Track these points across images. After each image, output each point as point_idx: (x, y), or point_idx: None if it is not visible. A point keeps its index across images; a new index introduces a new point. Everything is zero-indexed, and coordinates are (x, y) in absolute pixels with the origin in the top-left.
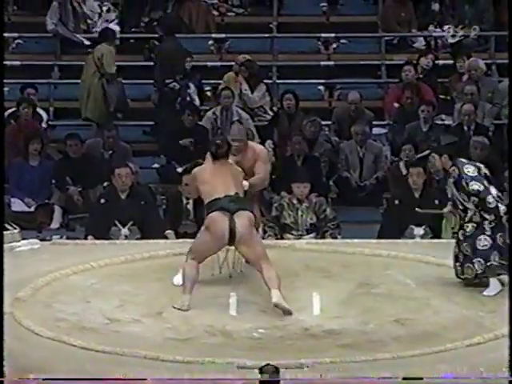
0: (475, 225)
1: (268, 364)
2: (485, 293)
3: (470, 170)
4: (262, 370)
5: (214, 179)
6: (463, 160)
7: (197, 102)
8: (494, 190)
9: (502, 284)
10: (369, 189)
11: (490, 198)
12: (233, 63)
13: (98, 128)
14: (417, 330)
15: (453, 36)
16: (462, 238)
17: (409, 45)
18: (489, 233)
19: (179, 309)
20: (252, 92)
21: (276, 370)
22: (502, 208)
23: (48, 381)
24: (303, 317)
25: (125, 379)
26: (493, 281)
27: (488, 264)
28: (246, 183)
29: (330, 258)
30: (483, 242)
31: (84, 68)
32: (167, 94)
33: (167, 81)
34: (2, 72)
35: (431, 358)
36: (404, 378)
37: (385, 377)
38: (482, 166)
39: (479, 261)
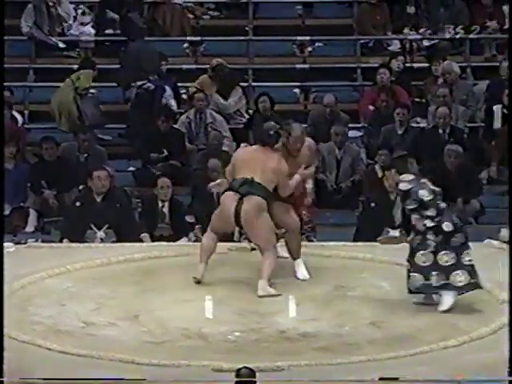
0: (419, 238)
1: (244, 367)
2: (439, 308)
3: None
4: (238, 373)
5: (243, 163)
6: (412, 178)
7: (173, 105)
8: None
9: (461, 293)
10: (345, 191)
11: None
12: (208, 66)
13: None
14: (392, 332)
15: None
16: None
17: (384, 48)
18: (431, 249)
19: (194, 278)
20: (226, 98)
21: (252, 372)
22: (447, 225)
23: (48, 381)
24: (279, 319)
25: (124, 379)
26: (445, 295)
27: (426, 282)
28: (309, 183)
29: (306, 261)
30: (424, 258)
31: (59, 89)
32: (141, 96)
33: (138, 83)
34: (2, 72)
35: (407, 360)
36: (380, 379)
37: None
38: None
39: (415, 276)
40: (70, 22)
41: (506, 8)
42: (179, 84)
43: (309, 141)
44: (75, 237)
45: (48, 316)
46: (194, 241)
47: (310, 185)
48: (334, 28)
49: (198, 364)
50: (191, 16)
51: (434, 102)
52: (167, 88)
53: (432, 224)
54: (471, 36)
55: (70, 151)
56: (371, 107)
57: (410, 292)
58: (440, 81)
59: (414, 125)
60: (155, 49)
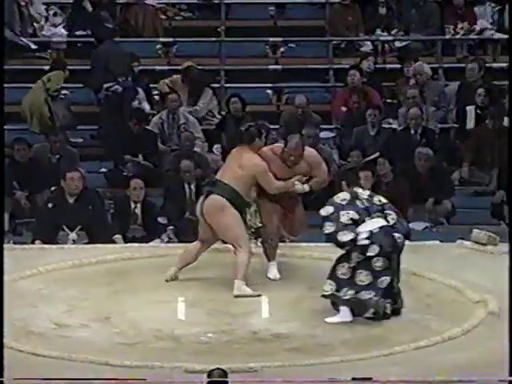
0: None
1: (216, 368)
2: (327, 319)
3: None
4: (210, 374)
5: (225, 163)
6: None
7: (146, 106)
8: (369, 226)
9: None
10: (317, 193)
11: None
12: (180, 67)
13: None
14: (365, 333)
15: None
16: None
17: (356, 49)
18: (353, 265)
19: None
20: (197, 100)
21: (224, 373)
22: (372, 248)
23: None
24: (251, 320)
25: (123, 379)
26: (343, 308)
27: (335, 293)
28: (306, 187)
29: (279, 262)
30: (343, 270)
31: (31, 90)
32: (111, 98)
33: (107, 85)
34: (2, 73)
35: (379, 361)
36: (353, 379)
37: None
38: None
39: (331, 283)
40: (42, 22)
41: (477, 9)
42: (152, 85)
43: (310, 153)
44: (47, 238)
45: (20, 318)
46: (167, 242)
47: (299, 187)
48: (307, 29)
49: (171, 365)
50: (164, 17)
51: (406, 103)
52: (139, 90)
53: (362, 243)
54: (443, 37)
55: (42, 152)
56: (343, 108)
57: (323, 296)
58: (412, 82)
59: (386, 126)
60: (125, 50)
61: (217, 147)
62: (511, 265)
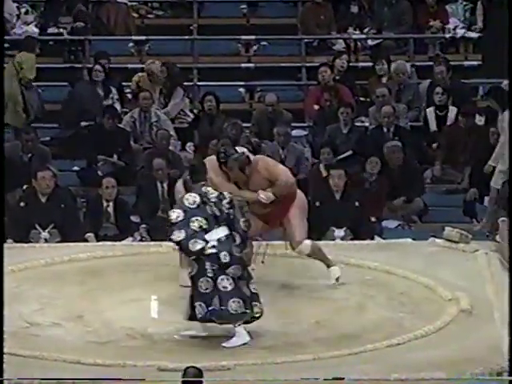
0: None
1: (191, 366)
2: (224, 344)
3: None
4: (185, 373)
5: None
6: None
7: (118, 104)
8: (217, 235)
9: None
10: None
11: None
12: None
13: (16, 133)
14: (337, 331)
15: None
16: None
17: (328, 47)
18: (210, 275)
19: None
20: (166, 103)
21: (199, 372)
22: (223, 255)
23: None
24: None
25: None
26: (238, 330)
27: (210, 309)
28: (270, 195)
29: (256, 261)
30: (205, 284)
31: (5, 75)
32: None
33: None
34: (2, 74)
35: (351, 358)
36: (326, 379)
37: (308, 378)
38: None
39: (200, 304)
40: (13, 21)
41: (448, 7)
42: (124, 83)
43: (261, 163)
44: (19, 237)
45: None
46: (140, 240)
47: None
48: (279, 27)
49: (143, 364)
50: (136, 15)
51: (376, 101)
52: (112, 88)
53: (210, 251)
54: (415, 36)
55: (14, 151)
56: (316, 106)
57: (198, 320)
58: (383, 80)
59: (359, 124)
60: (98, 90)
61: (190, 145)
62: (511, 267)
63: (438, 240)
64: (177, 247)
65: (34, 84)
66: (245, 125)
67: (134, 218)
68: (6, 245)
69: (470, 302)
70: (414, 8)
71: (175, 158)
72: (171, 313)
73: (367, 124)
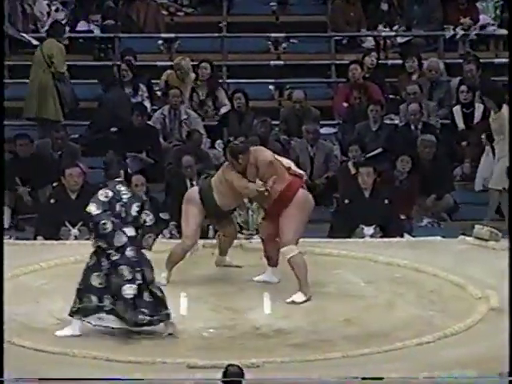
0: (94, 258)
1: (232, 364)
2: (57, 333)
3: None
4: (226, 371)
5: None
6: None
7: (147, 102)
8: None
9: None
10: (319, 188)
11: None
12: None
13: (51, 126)
14: (366, 328)
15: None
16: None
17: (358, 44)
18: (105, 272)
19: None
20: (201, 101)
21: (241, 370)
22: (122, 239)
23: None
24: (253, 316)
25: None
26: (74, 321)
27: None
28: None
29: (281, 258)
30: (98, 279)
31: (32, 66)
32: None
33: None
34: (2, 72)
35: (381, 356)
36: (363, 378)
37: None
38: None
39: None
40: (44, 18)
41: (479, 4)
42: (153, 81)
43: (255, 153)
44: (49, 234)
45: (22, 313)
46: (169, 238)
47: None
48: (308, 25)
49: (173, 361)
50: (165, 13)
51: (407, 98)
52: (141, 85)
53: (105, 247)
54: (445, 33)
55: (45, 148)
56: (345, 104)
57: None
58: (413, 77)
59: (388, 121)
60: (128, 96)
61: (219, 143)
62: (511, 263)
63: (467, 238)
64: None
65: (66, 76)
66: (274, 122)
67: (163, 216)
68: (36, 242)
69: (499, 301)
70: (444, 5)
71: (204, 156)
72: (200, 310)
73: (397, 121)
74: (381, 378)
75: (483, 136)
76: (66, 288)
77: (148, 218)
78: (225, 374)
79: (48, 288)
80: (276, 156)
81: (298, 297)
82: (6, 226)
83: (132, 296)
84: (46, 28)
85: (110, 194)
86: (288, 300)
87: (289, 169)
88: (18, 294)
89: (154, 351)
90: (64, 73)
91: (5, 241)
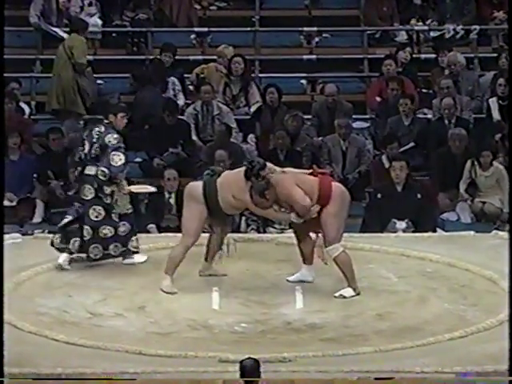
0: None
1: (248, 357)
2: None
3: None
4: (242, 364)
5: (229, 173)
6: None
7: (181, 96)
8: None
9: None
10: (351, 183)
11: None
12: (215, 57)
13: (74, 119)
14: (399, 323)
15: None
16: None
17: (391, 39)
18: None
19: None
20: (234, 96)
21: (256, 363)
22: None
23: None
24: (286, 311)
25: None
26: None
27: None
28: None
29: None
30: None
31: (55, 59)
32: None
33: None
34: (2, 71)
35: (413, 351)
36: (376, 379)
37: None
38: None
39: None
40: (77, 12)
41: None
42: (186, 75)
43: (280, 188)
44: None
45: (54, 307)
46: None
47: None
48: (341, 19)
49: (205, 355)
50: (198, 7)
51: (440, 93)
52: (175, 80)
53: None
54: (478, 27)
55: (77, 142)
56: (378, 98)
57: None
58: (446, 72)
59: (421, 116)
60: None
61: (251, 137)
62: (511, 263)
63: (500, 233)
64: None
65: (89, 70)
66: (306, 117)
67: None
68: None
69: None
70: None
71: (236, 150)
72: (232, 304)
73: (430, 116)
74: (391, 378)
75: None
76: (98, 282)
77: None
78: (241, 368)
79: (80, 282)
80: (287, 170)
81: (347, 291)
82: (39, 219)
83: None
84: (74, 18)
85: None
86: (336, 294)
87: (311, 169)
88: (51, 287)
89: (186, 345)
90: (84, 64)
91: (38, 234)
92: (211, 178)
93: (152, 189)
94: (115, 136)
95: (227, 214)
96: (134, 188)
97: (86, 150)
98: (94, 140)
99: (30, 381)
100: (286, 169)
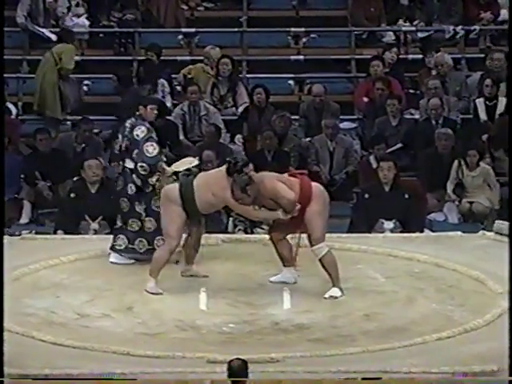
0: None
1: (236, 358)
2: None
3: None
4: (230, 365)
5: (208, 173)
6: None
7: (169, 97)
8: None
9: None
10: (339, 183)
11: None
12: (202, 58)
13: (50, 122)
14: (386, 324)
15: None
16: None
17: (378, 39)
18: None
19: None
20: (221, 96)
21: (244, 363)
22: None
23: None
24: (273, 311)
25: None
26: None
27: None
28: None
29: (300, 253)
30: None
31: (40, 63)
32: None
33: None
34: (2, 71)
35: (401, 351)
36: (363, 379)
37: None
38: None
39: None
40: (64, 12)
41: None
42: (173, 76)
43: (263, 185)
44: (69, 228)
45: (42, 308)
46: None
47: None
48: (329, 19)
49: (193, 355)
50: (185, 7)
51: (427, 93)
52: (163, 81)
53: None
54: (466, 28)
55: (67, 142)
56: (365, 99)
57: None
58: (433, 72)
59: (408, 116)
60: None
61: (239, 137)
62: (511, 259)
63: (488, 233)
64: None
65: (72, 76)
66: (294, 117)
67: None
68: (56, 236)
69: None
70: (464, 0)
71: (225, 151)
72: (220, 304)
73: (417, 116)
74: (379, 378)
75: None
76: (86, 283)
77: None
78: (229, 369)
79: (68, 282)
80: (266, 174)
81: (335, 291)
82: (27, 220)
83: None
84: (62, 27)
85: None
86: (326, 295)
87: (288, 171)
88: (38, 288)
89: (174, 346)
90: (70, 70)
91: (25, 235)
92: (187, 179)
93: (195, 161)
94: (142, 129)
95: (203, 213)
96: (176, 166)
97: (121, 143)
98: (126, 133)
99: (29, 381)
100: (263, 173)
